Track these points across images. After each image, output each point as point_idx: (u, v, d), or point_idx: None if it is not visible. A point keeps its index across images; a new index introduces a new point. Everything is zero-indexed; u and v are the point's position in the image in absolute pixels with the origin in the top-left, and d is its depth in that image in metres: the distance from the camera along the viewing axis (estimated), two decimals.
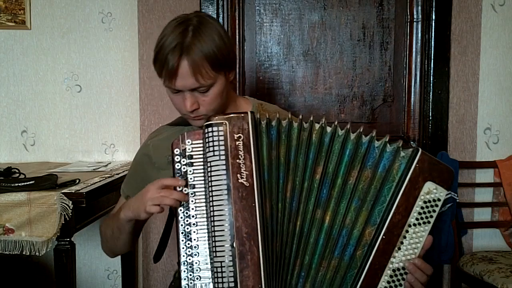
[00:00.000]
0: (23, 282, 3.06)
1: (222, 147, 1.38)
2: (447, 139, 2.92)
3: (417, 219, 1.39)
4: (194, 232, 1.41)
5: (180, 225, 1.42)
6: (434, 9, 2.87)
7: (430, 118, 2.91)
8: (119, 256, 2.79)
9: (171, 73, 1.49)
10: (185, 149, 1.43)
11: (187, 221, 1.41)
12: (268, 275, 1.37)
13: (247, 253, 1.36)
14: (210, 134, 1.39)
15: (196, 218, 1.41)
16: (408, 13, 2.92)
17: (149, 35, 2.87)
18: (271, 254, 1.38)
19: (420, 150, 1.40)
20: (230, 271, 1.36)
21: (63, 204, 2.14)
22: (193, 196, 1.42)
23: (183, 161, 1.43)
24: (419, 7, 2.90)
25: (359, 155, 1.41)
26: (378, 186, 1.40)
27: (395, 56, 2.95)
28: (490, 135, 2.94)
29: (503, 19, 2.90)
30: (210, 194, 1.38)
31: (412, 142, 2.95)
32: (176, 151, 1.44)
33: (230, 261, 1.36)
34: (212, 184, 1.38)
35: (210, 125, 1.40)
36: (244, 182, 1.37)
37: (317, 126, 1.43)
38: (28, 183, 2.18)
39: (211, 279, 1.39)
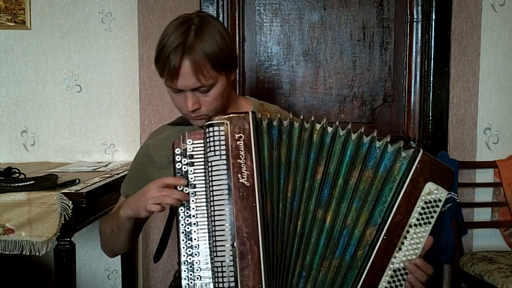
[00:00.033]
0: (23, 282, 3.06)
1: (223, 147, 1.38)
2: (447, 139, 2.92)
3: (418, 219, 1.39)
4: (194, 231, 1.41)
5: (180, 225, 1.42)
6: (434, 9, 2.87)
7: (430, 118, 2.91)
8: (119, 256, 2.79)
9: (172, 73, 1.49)
10: (186, 148, 1.43)
11: (187, 220, 1.41)
12: (269, 275, 1.37)
13: (248, 253, 1.35)
14: (211, 134, 1.39)
15: (196, 217, 1.41)
16: (408, 13, 2.92)
17: (149, 35, 2.87)
18: (272, 254, 1.38)
19: (421, 150, 1.40)
20: (231, 271, 1.35)
21: (63, 204, 2.13)
22: (193, 196, 1.42)
23: (184, 161, 1.43)
24: (419, 7, 2.90)
25: (360, 155, 1.41)
26: (379, 186, 1.40)
27: (395, 56, 2.95)
28: (490, 135, 2.94)
29: (503, 19, 2.90)
30: (211, 194, 1.38)
31: (412, 142, 2.95)
32: (177, 150, 1.44)
33: (231, 260, 1.36)
34: (213, 184, 1.38)
35: (211, 125, 1.40)
36: (245, 182, 1.37)
37: (318, 126, 1.43)
38: (28, 183, 2.18)
39: (211, 278, 1.39)
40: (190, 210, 1.42)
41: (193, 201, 1.42)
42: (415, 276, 1.40)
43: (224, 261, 1.36)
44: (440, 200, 1.40)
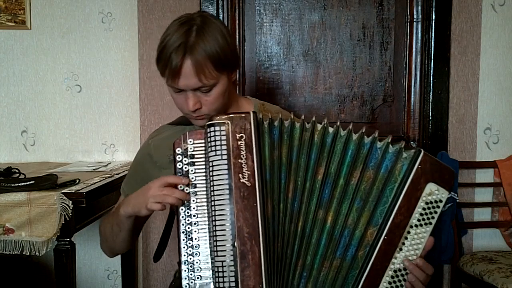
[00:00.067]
0: (23, 282, 3.06)
1: (224, 147, 1.38)
2: (447, 139, 2.92)
3: (418, 220, 1.39)
4: (195, 231, 1.41)
5: (181, 225, 1.42)
6: (434, 9, 2.87)
7: (430, 118, 2.91)
8: (119, 256, 2.80)
9: (174, 73, 1.49)
10: (187, 148, 1.43)
11: (188, 220, 1.41)
12: (269, 275, 1.37)
13: (248, 253, 1.35)
14: (212, 134, 1.39)
15: (197, 217, 1.41)
16: (408, 13, 2.92)
17: (149, 35, 2.87)
18: (273, 254, 1.38)
19: (422, 151, 1.40)
20: (231, 271, 1.35)
21: (63, 204, 2.13)
22: (194, 196, 1.42)
23: (185, 161, 1.43)
24: (419, 7, 2.90)
25: (361, 155, 1.41)
26: (380, 187, 1.40)
27: (395, 56, 2.95)
28: (490, 135, 2.94)
29: (503, 19, 2.90)
30: (212, 194, 1.38)
31: (412, 142, 2.95)
32: (178, 150, 1.43)
33: (231, 260, 1.35)
34: (214, 184, 1.38)
35: (212, 125, 1.40)
36: (246, 182, 1.37)
37: (319, 126, 1.43)
38: (28, 183, 2.18)
39: (212, 278, 1.39)
40: (190, 210, 1.41)
41: (193, 201, 1.41)
42: (415, 275, 1.40)
43: (224, 261, 1.36)
44: (441, 201, 1.40)
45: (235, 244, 1.35)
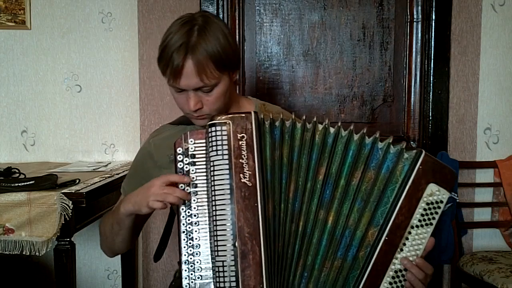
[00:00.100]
0: (23, 282, 3.06)
1: (225, 147, 1.38)
2: (447, 139, 2.92)
3: (419, 220, 1.40)
4: (195, 231, 1.41)
5: (181, 224, 1.42)
6: (434, 9, 2.87)
7: (430, 118, 2.91)
8: (119, 256, 2.80)
9: (175, 72, 1.49)
10: (187, 148, 1.43)
11: (188, 220, 1.41)
12: (270, 275, 1.37)
13: (249, 253, 1.35)
14: (214, 134, 1.39)
15: (198, 217, 1.41)
16: (408, 13, 2.92)
17: (149, 35, 2.87)
18: (273, 254, 1.38)
19: (424, 152, 1.40)
20: (232, 271, 1.35)
21: (63, 204, 2.13)
22: (195, 195, 1.42)
23: (186, 160, 1.43)
24: (419, 7, 2.90)
25: (362, 156, 1.41)
26: (381, 187, 1.40)
27: (395, 56, 2.95)
28: (490, 135, 2.94)
29: (503, 19, 2.90)
30: (213, 194, 1.38)
31: (412, 142, 2.95)
32: (179, 150, 1.43)
33: (232, 260, 1.35)
34: (215, 184, 1.38)
35: (214, 125, 1.40)
36: (247, 182, 1.37)
37: (320, 127, 1.43)
38: (28, 183, 2.18)
39: (212, 278, 1.39)
40: (191, 210, 1.41)
41: (194, 200, 1.41)
42: (414, 275, 1.40)
43: (225, 260, 1.36)
44: (442, 202, 1.40)
45: (236, 244, 1.35)
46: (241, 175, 1.37)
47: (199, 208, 1.41)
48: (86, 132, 2.98)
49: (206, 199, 1.41)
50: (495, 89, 2.93)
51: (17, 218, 2.14)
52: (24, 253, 2.15)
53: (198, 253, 1.40)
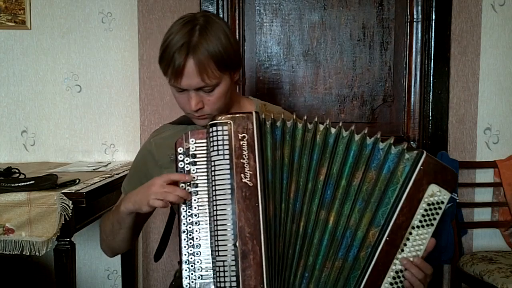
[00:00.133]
0: (23, 282, 3.06)
1: (226, 147, 1.38)
2: (447, 139, 2.92)
3: (420, 221, 1.40)
4: (196, 231, 1.41)
5: (182, 224, 1.42)
6: (434, 9, 2.87)
7: (430, 118, 2.91)
8: (119, 256, 2.79)
9: (177, 72, 1.49)
10: (188, 148, 1.43)
11: (189, 220, 1.41)
12: (271, 275, 1.37)
13: (250, 253, 1.35)
14: (215, 134, 1.39)
15: (198, 217, 1.41)
16: (408, 13, 2.92)
17: (149, 35, 2.87)
18: (274, 254, 1.38)
19: (425, 152, 1.40)
20: (232, 271, 1.35)
21: (63, 204, 2.13)
22: (195, 195, 1.42)
23: (187, 160, 1.43)
24: (419, 7, 2.90)
25: (364, 156, 1.41)
26: (383, 187, 1.40)
27: (395, 56, 2.95)
28: (490, 135, 2.94)
29: (503, 19, 2.90)
30: (214, 194, 1.38)
31: (412, 142, 2.95)
32: (180, 149, 1.43)
33: (233, 260, 1.35)
34: (216, 184, 1.38)
35: (215, 125, 1.40)
36: (248, 182, 1.37)
37: (321, 127, 1.43)
38: (28, 183, 2.18)
39: (212, 278, 1.38)
40: (192, 209, 1.41)
41: (195, 200, 1.41)
42: (413, 274, 1.40)
43: (225, 260, 1.36)
44: (442, 202, 1.41)
45: (237, 244, 1.35)
46: (242, 175, 1.37)
47: (200, 208, 1.41)
48: (86, 132, 2.98)
49: (206, 199, 1.41)
50: (495, 89, 2.93)
51: (17, 218, 2.13)
52: (24, 253, 2.15)
53: (199, 253, 1.40)
